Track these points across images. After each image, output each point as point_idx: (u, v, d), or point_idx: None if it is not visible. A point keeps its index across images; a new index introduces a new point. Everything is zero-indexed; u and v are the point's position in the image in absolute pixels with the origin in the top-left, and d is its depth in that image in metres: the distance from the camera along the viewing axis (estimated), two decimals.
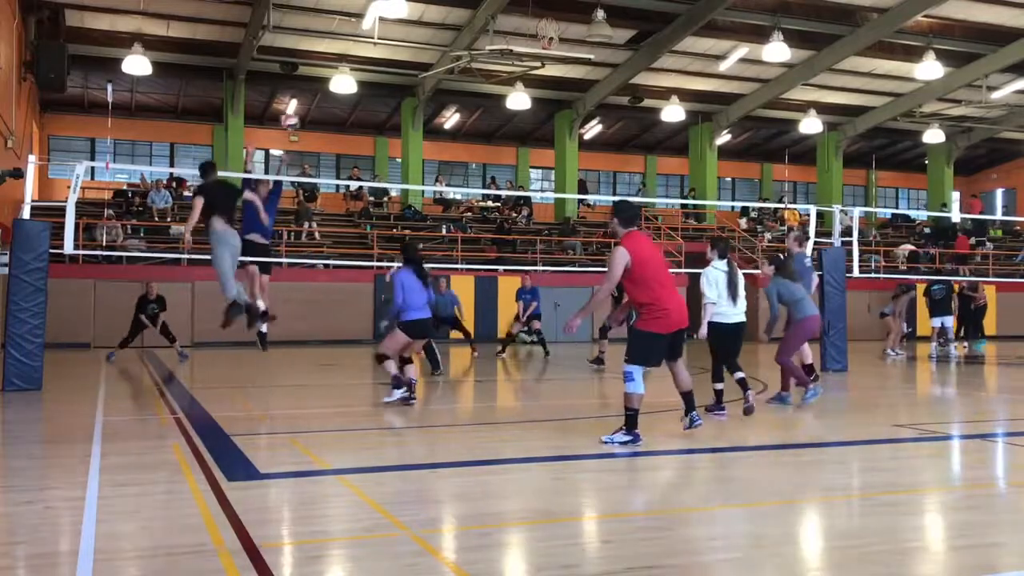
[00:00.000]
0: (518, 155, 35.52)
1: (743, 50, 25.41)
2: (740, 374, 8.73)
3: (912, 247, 30.35)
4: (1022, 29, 24.61)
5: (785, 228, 30.76)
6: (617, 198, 36.48)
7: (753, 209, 33.56)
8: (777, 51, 23.63)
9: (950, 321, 19.32)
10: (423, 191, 29.77)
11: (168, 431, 7.91)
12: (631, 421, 6.97)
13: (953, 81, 27.31)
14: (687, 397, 7.39)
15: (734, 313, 8.64)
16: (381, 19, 22.16)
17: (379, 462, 6.65)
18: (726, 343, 8.73)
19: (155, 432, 7.92)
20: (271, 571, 3.87)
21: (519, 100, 26.77)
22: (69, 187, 11.17)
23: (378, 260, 22.64)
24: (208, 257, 9.37)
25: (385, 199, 29.47)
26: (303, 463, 6.52)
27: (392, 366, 9.54)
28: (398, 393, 9.51)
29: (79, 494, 5.24)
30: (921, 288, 20.88)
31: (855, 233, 15.28)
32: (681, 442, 7.65)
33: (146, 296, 17.01)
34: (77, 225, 16.40)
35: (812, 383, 9.73)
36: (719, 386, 8.76)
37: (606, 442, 7.05)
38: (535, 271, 22.05)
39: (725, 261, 8.70)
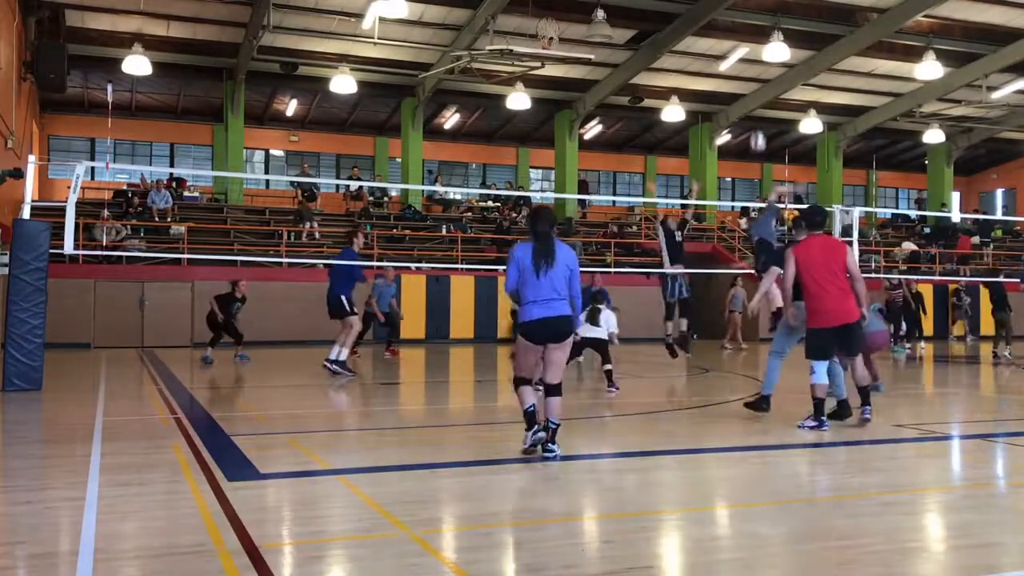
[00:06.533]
0: (518, 155, 35.52)
1: (743, 50, 25.41)
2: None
3: (914, 246, 30.33)
4: (1022, 29, 24.61)
5: (785, 228, 30.71)
6: (618, 197, 36.81)
7: (753, 209, 33.51)
8: (777, 51, 23.63)
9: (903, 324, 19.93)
10: (423, 191, 29.77)
11: (168, 431, 7.90)
12: (817, 409, 7.77)
13: (953, 81, 27.31)
14: (862, 392, 8.13)
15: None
16: (381, 19, 22.16)
17: (379, 462, 6.64)
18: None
19: (155, 432, 7.91)
20: (271, 571, 3.87)
21: (519, 100, 26.78)
22: (69, 187, 11.15)
23: (378, 260, 22.62)
24: (205, 257, 9.32)
25: (385, 199, 29.47)
26: (303, 463, 6.52)
27: None
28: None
29: (79, 494, 5.23)
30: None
31: (855, 233, 15.27)
32: (683, 442, 7.67)
33: (232, 293, 16.53)
34: (77, 225, 16.38)
35: None
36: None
37: (800, 427, 7.73)
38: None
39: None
